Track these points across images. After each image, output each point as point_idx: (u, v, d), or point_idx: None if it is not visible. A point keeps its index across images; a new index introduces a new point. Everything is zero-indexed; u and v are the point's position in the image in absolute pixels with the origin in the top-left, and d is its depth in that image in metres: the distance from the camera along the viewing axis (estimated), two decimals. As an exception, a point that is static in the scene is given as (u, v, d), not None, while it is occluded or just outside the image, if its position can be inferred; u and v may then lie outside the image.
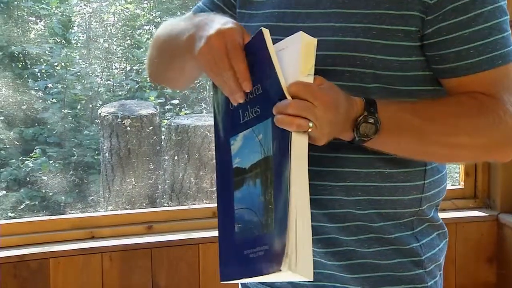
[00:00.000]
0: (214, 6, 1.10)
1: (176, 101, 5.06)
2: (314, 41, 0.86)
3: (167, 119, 4.12)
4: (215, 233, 2.00)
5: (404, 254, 1.00)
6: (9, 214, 4.38)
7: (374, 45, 0.93)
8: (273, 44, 0.87)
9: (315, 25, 0.97)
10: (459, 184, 2.17)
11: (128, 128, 3.26)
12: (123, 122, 3.25)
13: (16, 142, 5.13)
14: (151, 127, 3.36)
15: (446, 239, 1.07)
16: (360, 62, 0.94)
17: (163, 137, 3.54)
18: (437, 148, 0.94)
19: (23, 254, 1.72)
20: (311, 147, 0.86)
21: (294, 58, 0.86)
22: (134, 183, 3.28)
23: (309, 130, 0.84)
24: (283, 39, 0.90)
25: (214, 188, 3.39)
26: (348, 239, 0.99)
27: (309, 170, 0.84)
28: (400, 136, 0.92)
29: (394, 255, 1.00)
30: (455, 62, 0.94)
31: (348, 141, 0.91)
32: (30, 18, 5.72)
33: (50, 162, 4.93)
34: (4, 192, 4.67)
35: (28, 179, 4.84)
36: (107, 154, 3.31)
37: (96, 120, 4.83)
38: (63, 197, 4.69)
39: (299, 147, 0.83)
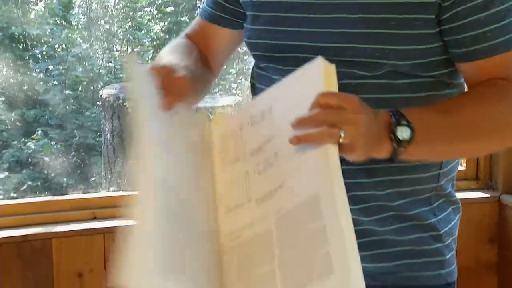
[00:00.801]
0: (217, 5, 1.11)
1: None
2: (333, 66, 0.84)
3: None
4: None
5: (423, 229, 1.02)
6: (12, 195, 4.40)
7: (394, 35, 0.93)
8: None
9: (329, 17, 0.95)
10: (461, 165, 2.17)
11: (130, 110, 3.25)
12: (125, 103, 3.25)
13: (18, 124, 5.13)
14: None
15: (459, 214, 1.09)
16: (380, 54, 0.93)
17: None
18: (472, 140, 0.94)
19: (26, 235, 1.73)
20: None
21: (316, 85, 0.83)
22: (136, 164, 3.28)
23: (341, 140, 0.79)
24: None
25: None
26: (368, 219, 1.00)
27: None
28: (433, 136, 0.91)
29: (414, 230, 1.02)
30: (471, 46, 0.94)
31: (387, 158, 0.88)
32: (30, -1, 5.69)
33: (52, 143, 4.94)
34: (6, 173, 4.68)
35: (30, 160, 4.85)
36: (108, 135, 3.31)
37: (97, 102, 4.83)
38: (65, 179, 4.70)
39: (334, 164, 0.77)
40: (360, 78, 0.95)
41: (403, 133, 0.86)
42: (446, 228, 1.04)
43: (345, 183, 0.89)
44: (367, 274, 1.01)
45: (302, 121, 0.81)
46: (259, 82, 1.08)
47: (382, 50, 0.93)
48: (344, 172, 0.79)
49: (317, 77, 0.83)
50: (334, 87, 0.83)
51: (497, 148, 1.18)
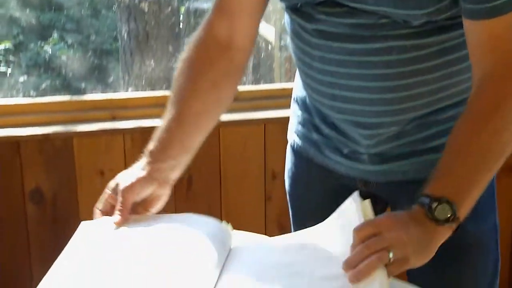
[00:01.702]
0: None
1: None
2: (368, 200, 0.90)
3: (186, 2, 4.02)
4: (236, 116, 2.01)
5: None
6: (31, 95, 4.41)
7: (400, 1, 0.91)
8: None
9: None
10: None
11: (146, 11, 3.20)
12: (141, 5, 3.19)
13: (33, 27, 5.08)
14: (170, 10, 3.29)
15: None
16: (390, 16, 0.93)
17: (181, 21, 3.48)
18: (500, 154, 0.91)
19: (47, 133, 1.75)
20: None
21: (356, 220, 0.88)
22: (153, 66, 3.27)
23: (391, 258, 0.81)
24: None
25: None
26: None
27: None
28: (468, 184, 0.89)
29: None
30: (479, 4, 0.89)
31: (454, 232, 0.87)
32: None
33: (68, 47, 4.90)
34: (25, 76, 4.70)
35: (47, 63, 4.84)
36: (125, 37, 3.28)
37: (112, 6, 4.74)
38: (82, 81, 4.71)
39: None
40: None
41: (444, 211, 0.85)
42: None
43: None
44: (412, 168, 1.05)
45: (351, 262, 0.82)
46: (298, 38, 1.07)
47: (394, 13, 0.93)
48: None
49: (355, 214, 0.88)
50: (368, 210, 0.90)
51: None
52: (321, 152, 1.14)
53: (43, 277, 0.92)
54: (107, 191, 1.02)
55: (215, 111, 1.07)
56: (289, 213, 1.28)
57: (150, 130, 1.05)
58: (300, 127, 1.19)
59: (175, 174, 1.04)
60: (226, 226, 1.01)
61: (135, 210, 1.00)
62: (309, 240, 0.96)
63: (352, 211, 0.89)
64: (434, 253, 0.85)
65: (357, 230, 0.84)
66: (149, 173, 1.00)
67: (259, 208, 1.93)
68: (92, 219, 1.00)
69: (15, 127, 1.76)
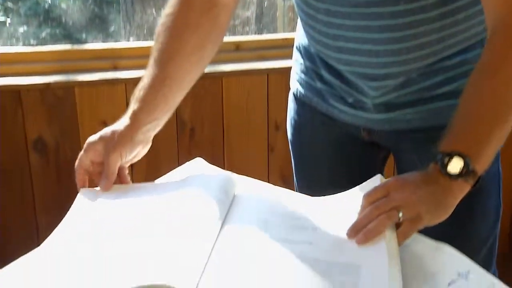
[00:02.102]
0: None
1: None
2: None
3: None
4: (238, 66, 1.99)
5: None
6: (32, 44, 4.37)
7: None
8: None
9: None
10: None
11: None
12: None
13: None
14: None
15: None
16: None
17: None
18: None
19: (48, 82, 1.74)
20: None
21: None
22: (154, 15, 3.22)
23: (401, 218, 0.81)
24: None
25: (238, 22, 3.32)
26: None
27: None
28: (481, 136, 0.87)
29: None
30: None
31: (474, 186, 0.86)
32: None
33: (68, -3, 4.83)
34: (25, 27, 4.64)
35: (47, 13, 4.78)
36: (126, -15, 3.22)
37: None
38: (83, 31, 4.65)
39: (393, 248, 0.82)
40: None
41: (456, 165, 0.83)
42: None
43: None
44: (416, 117, 1.04)
45: (358, 223, 0.82)
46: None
47: None
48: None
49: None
50: None
51: None
52: (325, 101, 1.13)
53: (48, 225, 0.92)
54: (84, 157, 0.99)
55: (199, 71, 1.07)
56: (291, 164, 1.28)
57: (152, 80, 1.04)
58: (303, 75, 1.17)
59: (155, 132, 1.03)
60: (230, 174, 1.01)
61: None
62: (319, 203, 0.96)
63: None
64: (452, 210, 0.85)
65: (366, 195, 0.85)
66: (134, 135, 0.99)
67: (262, 160, 1.93)
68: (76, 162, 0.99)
69: (16, 76, 1.74)
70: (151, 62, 1.03)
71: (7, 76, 1.74)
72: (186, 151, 1.88)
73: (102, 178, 0.97)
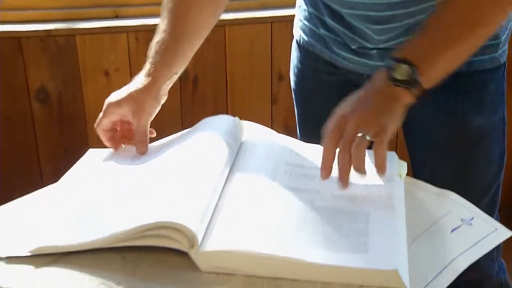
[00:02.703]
0: None
1: None
2: (404, 162, 0.92)
3: None
4: (241, 15, 1.96)
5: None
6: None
7: None
8: None
9: None
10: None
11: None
12: None
13: None
14: None
15: None
16: None
17: None
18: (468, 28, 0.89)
19: (49, 29, 1.72)
20: None
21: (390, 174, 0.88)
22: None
23: (368, 138, 0.82)
24: None
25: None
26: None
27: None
28: (432, 50, 0.87)
29: None
30: None
31: (419, 96, 0.87)
32: None
33: None
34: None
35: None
36: None
37: None
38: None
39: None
40: None
41: (402, 72, 0.85)
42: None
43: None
44: None
45: (326, 163, 0.84)
46: None
47: None
48: None
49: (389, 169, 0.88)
50: (404, 170, 0.91)
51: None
52: (328, 48, 1.11)
53: (52, 174, 0.92)
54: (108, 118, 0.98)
55: (214, 21, 1.08)
56: (295, 114, 1.27)
57: (154, 29, 1.03)
58: (306, 22, 1.16)
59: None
60: (237, 120, 1.01)
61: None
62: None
63: (387, 165, 0.89)
64: (398, 116, 0.86)
65: (327, 137, 0.85)
66: (158, 93, 0.99)
67: (266, 110, 1.93)
68: (96, 121, 0.99)
69: (15, 23, 1.72)
70: (166, 15, 1.02)
71: (7, 24, 1.72)
72: (189, 101, 1.88)
73: (137, 142, 0.97)
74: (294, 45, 1.22)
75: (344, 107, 0.86)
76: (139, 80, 0.99)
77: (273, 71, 1.90)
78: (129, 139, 1.00)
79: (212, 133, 0.95)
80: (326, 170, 0.85)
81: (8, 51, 1.70)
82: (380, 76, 0.87)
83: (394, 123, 0.85)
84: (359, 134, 0.83)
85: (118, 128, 1.00)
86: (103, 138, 0.99)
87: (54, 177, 0.94)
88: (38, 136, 1.78)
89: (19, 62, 1.71)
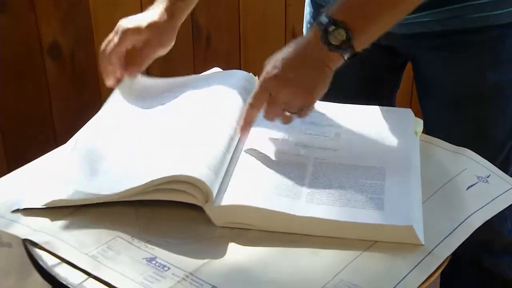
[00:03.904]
0: None
1: None
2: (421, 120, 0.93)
3: None
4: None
5: None
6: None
7: None
8: None
9: None
10: None
11: None
12: None
13: None
14: None
15: None
16: None
17: None
18: None
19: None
20: None
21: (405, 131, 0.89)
22: None
23: (294, 111, 0.83)
24: None
25: None
26: None
27: None
28: (371, 15, 0.84)
29: None
30: None
31: (348, 59, 0.83)
32: None
33: None
34: None
35: None
36: None
37: None
38: None
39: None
40: None
41: (339, 36, 0.81)
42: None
43: None
44: (433, 20, 1.01)
45: (247, 121, 0.85)
46: None
47: None
48: None
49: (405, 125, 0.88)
50: (420, 128, 0.91)
51: None
52: None
53: (65, 130, 0.92)
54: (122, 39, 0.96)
55: None
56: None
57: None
58: None
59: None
60: (252, 76, 1.00)
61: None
62: (340, 111, 0.96)
63: (403, 122, 0.89)
64: (328, 81, 0.83)
65: (250, 102, 0.84)
66: (176, 27, 0.97)
67: (279, 68, 1.91)
68: (106, 46, 0.98)
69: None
70: None
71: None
72: (202, 59, 1.86)
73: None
74: (307, 0, 1.20)
75: (276, 66, 0.83)
76: (156, 12, 0.97)
77: (287, 29, 1.88)
78: (135, 68, 0.98)
79: (227, 88, 0.95)
80: (245, 128, 0.85)
81: (20, 7, 1.68)
82: (313, 37, 0.82)
83: (322, 91, 0.83)
84: (286, 112, 0.84)
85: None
86: (116, 65, 0.96)
87: (68, 133, 0.94)
88: (51, 92, 1.78)
89: (31, 18, 1.70)
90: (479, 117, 1.05)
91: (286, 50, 0.84)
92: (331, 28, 0.81)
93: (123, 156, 0.83)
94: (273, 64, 0.84)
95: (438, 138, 0.92)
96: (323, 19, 0.82)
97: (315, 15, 1.17)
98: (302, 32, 1.23)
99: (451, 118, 1.06)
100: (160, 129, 0.88)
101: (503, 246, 1.15)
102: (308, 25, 1.20)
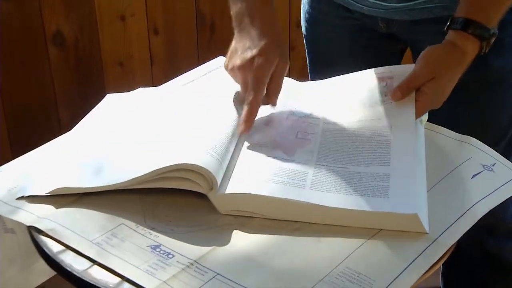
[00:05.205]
0: None
1: None
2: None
3: None
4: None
5: None
6: None
7: None
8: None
9: None
10: None
11: None
12: None
13: None
14: None
15: None
16: None
17: None
18: None
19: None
20: None
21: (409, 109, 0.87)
22: None
23: None
24: None
25: None
26: None
27: None
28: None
29: None
30: None
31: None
32: None
33: None
34: None
35: None
36: None
37: None
38: None
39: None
40: None
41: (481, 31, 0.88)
42: None
43: None
44: (439, 5, 1.00)
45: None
46: None
47: None
48: None
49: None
50: (425, 116, 0.91)
51: None
52: None
53: (69, 119, 0.92)
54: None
55: None
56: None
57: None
58: None
59: None
60: None
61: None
62: (344, 83, 0.96)
63: (407, 111, 0.89)
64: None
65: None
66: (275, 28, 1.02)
67: (283, 57, 1.90)
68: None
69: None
70: None
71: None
72: (205, 48, 1.85)
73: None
74: None
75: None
76: (257, 38, 0.97)
77: (291, 18, 1.87)
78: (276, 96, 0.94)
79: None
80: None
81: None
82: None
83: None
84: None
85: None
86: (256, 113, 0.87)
87: (72, 121, 0.94)
88: (55, 81, 1.78)
89: (35, 6, 1.69)
90: (482, 103, 1.04)
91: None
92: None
93: (128, 146, 0.83)
94: None
95: (441, 122, 0.92)
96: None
97: (313, 4, 1.17)
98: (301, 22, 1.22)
99: (454, 103, 1.05)
100: (164, 118, 0.88)
101: (507, 231, 1.15)
102: (307, 15, 1.19)
